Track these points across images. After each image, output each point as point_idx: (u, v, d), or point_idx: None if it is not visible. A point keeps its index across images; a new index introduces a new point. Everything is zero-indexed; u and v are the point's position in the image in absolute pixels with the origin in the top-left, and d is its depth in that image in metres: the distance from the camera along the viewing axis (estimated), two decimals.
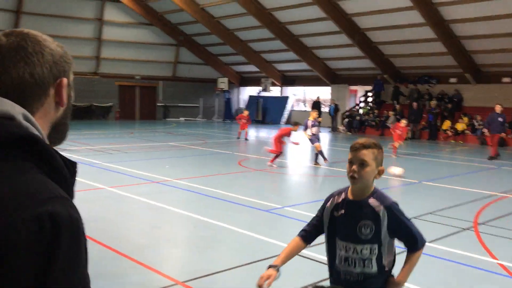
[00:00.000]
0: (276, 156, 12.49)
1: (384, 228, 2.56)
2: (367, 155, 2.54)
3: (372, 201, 2.57)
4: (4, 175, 0.97)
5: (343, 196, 2.69)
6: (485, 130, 16.45)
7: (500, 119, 15.52)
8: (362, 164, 2.52)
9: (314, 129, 12.79)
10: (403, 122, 15.93)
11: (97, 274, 4.77)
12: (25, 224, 0.91)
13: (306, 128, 12.89)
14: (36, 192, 0.97)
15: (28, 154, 1.02)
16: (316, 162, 12.88)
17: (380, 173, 2.63)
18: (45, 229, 0.92)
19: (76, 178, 1.16)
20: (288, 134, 12.86)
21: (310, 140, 12.83)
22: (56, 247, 0.93)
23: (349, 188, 2.67)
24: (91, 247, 5.87)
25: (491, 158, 15.17)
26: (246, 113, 19.68)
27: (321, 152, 12.83)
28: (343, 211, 2.62)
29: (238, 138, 19.59)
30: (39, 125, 1.10)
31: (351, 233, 2.58)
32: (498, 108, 15.69)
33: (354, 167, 2.53)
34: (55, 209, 0.96)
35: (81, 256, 1.01)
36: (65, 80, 1.17)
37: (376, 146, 2.59)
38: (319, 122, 13.56)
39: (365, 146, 2.55)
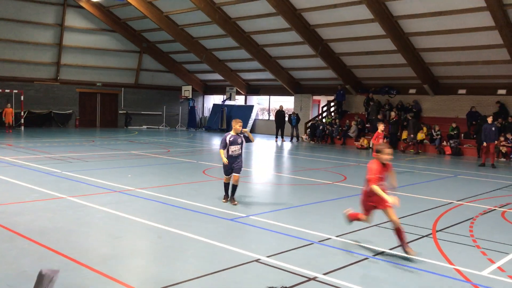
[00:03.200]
0: None
1: None
2: None
3: None
4: None
5: None
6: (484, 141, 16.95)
7: (493, 128, 16.61)
8: None
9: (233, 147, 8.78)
10: (382, 127, 13.90)
11: (59, 285, 4.65)
12: None
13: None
14: None
15: None
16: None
17: None
18: None
19: None
20: None
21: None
22: None
23: None
24: (52, 258, 5.75)
25: (493, 166, 16.38)
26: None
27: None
28: None
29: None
30: None
31: None
32: (490, 119, 16.84)
33: None
34: None
35: None
36: None
37: None
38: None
39: None
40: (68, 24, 28.10)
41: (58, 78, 28.80)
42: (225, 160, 8.64)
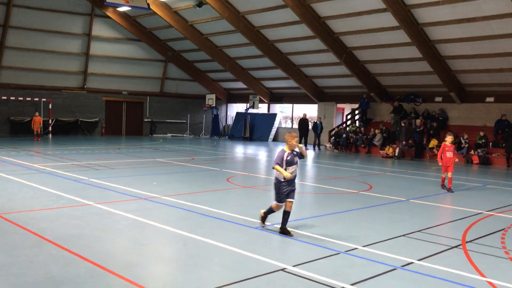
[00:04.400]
0: None
1: None
2: None
3: None
4: None
5: None
6: None
7: None
8: None
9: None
10: (450, 138, 12.21)
11: None
12: None
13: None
14: None
15: None
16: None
17: None
18: None
19: None
20: None
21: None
22: None
23: None
24: (79, 264, 5.80)
25: None
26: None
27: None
28: None
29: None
30: None
31: None
32: None
33: None
34: None
35: None
36: None
37: None
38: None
39: None
40: (95, 34, 28.66)
41: (85, 86, 29.34)
42: (288, 175, 7.06)
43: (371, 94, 25.39)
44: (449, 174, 12.05)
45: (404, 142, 21.42)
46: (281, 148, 7.36)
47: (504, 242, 7.19)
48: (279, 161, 7.19)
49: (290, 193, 7.24)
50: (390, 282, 5.33)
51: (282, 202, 7.26)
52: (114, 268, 5.41)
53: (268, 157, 21.36)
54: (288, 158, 7.19)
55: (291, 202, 7.26)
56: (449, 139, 12.22)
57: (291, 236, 7.08)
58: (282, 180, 7.18)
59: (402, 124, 22.13)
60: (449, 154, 12.09)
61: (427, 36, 20.13)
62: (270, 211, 7.44)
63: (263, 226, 7.51)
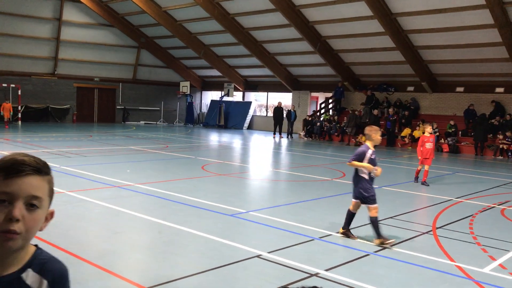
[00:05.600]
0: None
1: None
2: (41, 186, 1.42)
3: (30, 276, 1.44)
4: None
5: None
6: None
7: None
8: (33, 204, 1.39)
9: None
10: (429, 128, 11.70)
11: None
12: None
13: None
14: None
15: None
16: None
17: (48, 219, 1.49)
18: None
19: None
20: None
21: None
22: None
23: None
24: (53, 252, 5.71)
25: None
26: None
27: None
28: None
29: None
30: None
31: None
32: None
33: (16, 211, 1.34)
34: None
35: None
36: None
37: (49, 169, 1.48)
38: None
39: (35, 168, 1.41)
40: (66, 19, 27.96)
41: (56, 72, 28.66)
42: (371, 166, 6.15)
43: (344, 83, 25.60)
44: (426, 167, 11.46)
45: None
46: (363, 144, 6.36)
47: (472, 227, 7.41)
48: (357, 158, 6.17)
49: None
50: (363, 267, 5.45)
51: (375, 202, 6.20)
52: (88, 256, 5.36)
53: (243, 144, 21.38)
54: (373, 156, 6.12)
55: (376, 206, 6.16)
56: (428, 129, 11.62)
57: (354, 239, 6.34)
58: (367, 177, 6.10)
59: (375, 113, 22.50)
60: (429, 145, 11.39)
61: (400, 26, 20.37)
62: (375, 223, 6.15)
63: (355, 238, 6.45)
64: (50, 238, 5.88)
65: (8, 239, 1.33)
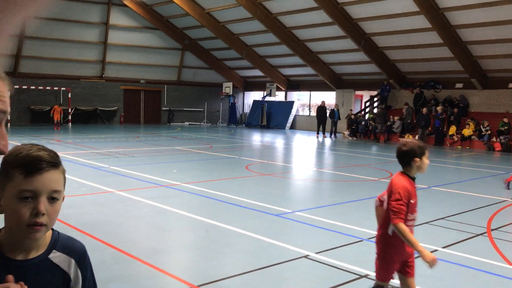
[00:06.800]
0: None
1: None
2: (59, 179, 1.49)
3: (57, 256, 1.55)
4: None
5: None
6: None
7: None
8: (54, 198, 1.47)
9: None
10: None
11: (111, 277, 4.74)
12: None
13: None
14: None
15: None
16: None
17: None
18: None
19: None
20: None
21: None
22: None
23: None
24: (104, 250, 5.85)
25: None
26: None
27: None
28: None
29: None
30: None
31: None
32: None
33: (41, 206, 1.42)
34: None
35: None
36: None
37: (60, 159, 1.52)
38: None
39: (52, 163, 1.47)
40: (113, 23, 28.76)
41: (103, 75, 29.54)
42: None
43: (390, 81, 25.07)
44: None
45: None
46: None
47: None
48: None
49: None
50: (417, 269, 5.28)
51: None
52: (138, 254, 5.46)
53: (285, 144, 21.31)
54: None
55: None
56: None
57: None
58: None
59: (423, 112, 21.91)
60: None
61: (447, 21, 19.73)
62: None
63: None
64: (101, 236, 6.04)
65: (36, 231, 1.44)
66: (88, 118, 29.04)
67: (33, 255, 1.51)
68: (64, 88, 27.36)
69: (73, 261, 1.57)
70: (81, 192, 8.77)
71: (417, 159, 3.58)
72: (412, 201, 3.52)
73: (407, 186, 3.51)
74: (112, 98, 30.05)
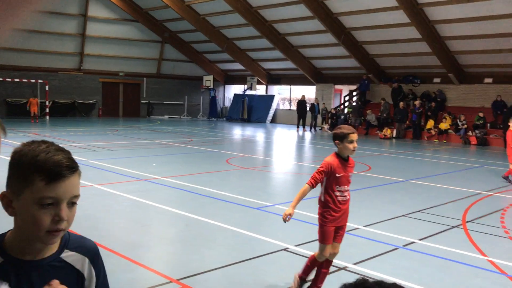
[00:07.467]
0: None
1: None
2: (78, 184, 1.47)
3: (69, 256, 1.53)
4: None
5: None
6: None
7: None
8: (74, 202, 1.45)
9: None
10: None
11: None
12: None
13: None
14: None
15: None
16: None
17: None
18: None
19: None
20: None
21: None
22: None
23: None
24: None
25: None
26: None
27: None
28: None
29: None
30: None
31: None
32: None
33: (63, 213, 1.40)
34: None
35: None
36: None
37: (77, 163, 1.48)
38: None
39: (73, 169, 1.44)
40: (91, 14, 28.32)
41: (82, 68, 29.11)
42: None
43: (369, 75, 25.30)
44: None
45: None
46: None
47: (503, 221, 7.25)
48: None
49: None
50: (393, 261, 5.39)
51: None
52: (117, 248, 5.43)
53: (266, 138, 21.36)
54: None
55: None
56: None
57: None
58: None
59: (401, 106, 22.28)
60: None
61: (426, 16, 19.98)
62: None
63: None
64: (80, 231, 5.97)
65: (54, 236, 1.43)
66: (66, 111, 28.61)
67: (44, 255, 1.48)
68: (41, 81, 26.86)
69: (87, 260, 1.56)
70: None
71: (338, 141, 4.23)
72: (338, 174, 4.23)
73: (331, 162, 4.25)
74: (91, 91, 29.65)
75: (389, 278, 4.77)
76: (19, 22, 0.90)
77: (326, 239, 4.27)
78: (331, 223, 4.27)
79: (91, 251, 1.58)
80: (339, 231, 4.36)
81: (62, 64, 28.55)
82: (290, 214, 4.17)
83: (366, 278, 1.11)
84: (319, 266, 4.41)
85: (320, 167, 4.26)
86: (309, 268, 4.44)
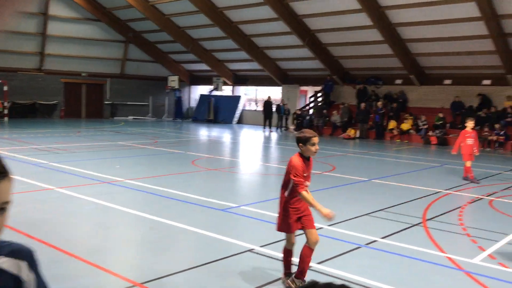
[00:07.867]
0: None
1: None
2: (9, 189, 1.41)
3: (3, 262, 1.48)
4: None
5: None
6: None
7: None
8: (3, 208, 1.40)
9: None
10: (471, 124, 10.94)
11: (49, 277, 4.58)
12: None
13: None
14: None
15: None
16: None
17: None
18: None
19: None
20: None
21: None
22: None
23: None
24: (43, 249, 5.66)
25: None
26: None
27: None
28: None
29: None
30: None
31: None
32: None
33: None
34: None
35: None
36: None
37: (8, 168, 1.42)
38: None
39: (3, 174, 1.38)
40: (52, 13, 27.59)
41: (42, 68, 28.33)
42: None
43: (333, 76, 25.65)
44: (468, 163, 11.06)
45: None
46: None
47: (461, 219, 7.49)
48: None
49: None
50: (356, 260, 5.48)
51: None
52: (78, 252, 5.32)
53: (232, 139, 21.35)
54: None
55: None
56: (470, 124, 10.86)
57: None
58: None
59: (362, 107, 22.74)
60: (470, 141, 10.91)
61: (388, 19, 20.43)
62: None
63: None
64: (40, 235, 5.83)
65: None
66: (27, 112, 27.77)
67: None
68: (0, 81, 26.03)
69: (24, 264, 1.52)
70: (18, 190, 8.40)
71: (301, 144, 4.55)
72: (305, 174, 4.51)
73: (299, 163, 4.50)
74: (52, 92, 28.88)
75: (352, 277, 4.86)
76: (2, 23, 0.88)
77: (290, 229, 4.67)
78: (295, 215, 4.61)
79: (27, 255, 1.55)
80: (303, 218, 4.65)
81: (21, 64, 27.71)
82: (331, 212, 4.40)
83: (316, 281, 1.14)
84: (290, 254, 4.80)
85: (295, 171, 4.47)
86: (288, 262, 4.79)
